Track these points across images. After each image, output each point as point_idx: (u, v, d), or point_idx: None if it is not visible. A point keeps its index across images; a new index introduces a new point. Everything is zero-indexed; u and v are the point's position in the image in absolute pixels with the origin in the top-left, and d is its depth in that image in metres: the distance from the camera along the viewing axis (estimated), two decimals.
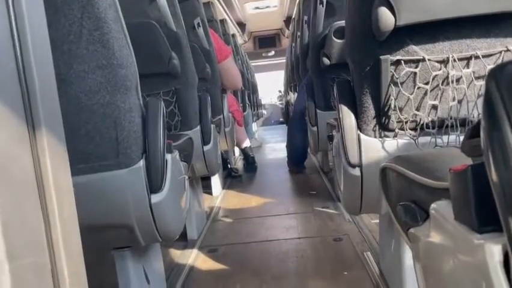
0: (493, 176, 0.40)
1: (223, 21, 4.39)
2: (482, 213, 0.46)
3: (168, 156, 1.12)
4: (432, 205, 0.60)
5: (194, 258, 1.73)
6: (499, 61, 1.05)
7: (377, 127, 1.14)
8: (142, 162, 1.06)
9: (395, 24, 0.99)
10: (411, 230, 0.71)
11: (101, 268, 1.34)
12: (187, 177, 1.34)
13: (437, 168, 0.65)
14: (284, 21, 8.10)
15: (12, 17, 0.55)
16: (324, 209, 2.26)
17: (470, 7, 0.98)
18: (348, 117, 1.17)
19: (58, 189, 0.60)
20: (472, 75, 1.05)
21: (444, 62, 1.05)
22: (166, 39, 1.62)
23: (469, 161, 0.51)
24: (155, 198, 1.07)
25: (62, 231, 0.60)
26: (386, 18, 0.99)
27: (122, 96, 1.01)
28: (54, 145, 0.60)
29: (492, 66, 1.03)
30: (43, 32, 0.60)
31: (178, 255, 1.77)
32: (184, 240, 1.91)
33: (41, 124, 0.57)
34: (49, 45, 0.61)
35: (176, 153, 1.21)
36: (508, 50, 1.03)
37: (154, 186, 1.07)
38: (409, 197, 0.73)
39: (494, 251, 0.43)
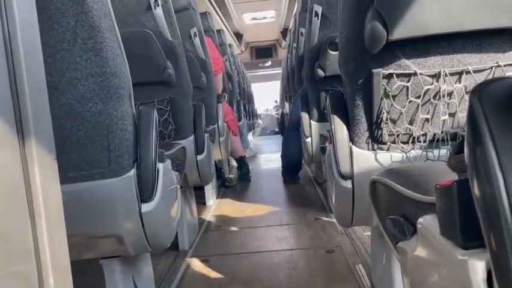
0: (476, 192, 0.40)
1: (220, 31, 4.41)
2: (467, 229, 0.46)
3: (160, 165, 1.11)
4: (420, 219, 0.60)
5: (185, 268, 1.72)
6: (490, 76, 1.06)
7: (370, 140, 1.15)
8: (133, 171, 1.05)
9: (387, 39, 1.00)
10: (400, 244, 0.71)
11: (89, 278, 1.33)
12: (179, 186, 1.34)
13: (425, 183, 0.65)
14: (281, 32, 8.15)
15: (6, 24, 0.55)
16: (317, 220, 2.25)
17: (461, 23, 0.99)
18: (340, 129, 1.18)
19: (46, 198, 0.59)
20: (463, 90, 1.06)
21: (436, 76, 1.06)
22: (162, 49, 1.62)
23: (455, 177, 0.51)
24: (145, 207, 1.06)
25: (49, 241, 0.60)
26: (379, 33, 1.00)
27: (114, 104, 1.01)
28: (44, 154, 0.60)
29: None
30: (35, 39, 0.60)
31: (169, 265, 1.76)
32: (175, 250, 1.89)
33: (30, 133, 0.57)
34: (41, 53, 0.61)
35: (168, 163, 1.21)
36: (498, 66, 1.04)
37: (144, 195, 1.07)
38: (398, 211, 0.73)
39: (477, 267, 0.43)
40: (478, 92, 0.39)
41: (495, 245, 0.38)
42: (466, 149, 0.41)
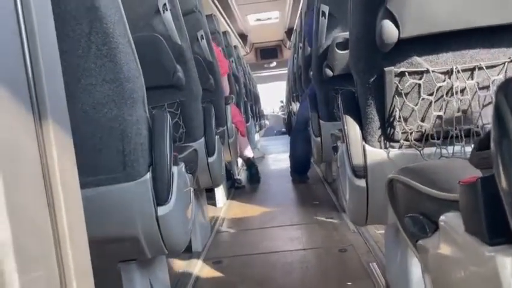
0: (504, 187, 0.40)
1: (225, 33, 4.43)
2: (493, 225, 0.46)
3: (174, 169, 1.12)
4: (442, 217, 0.60)
5: (199, 270, 1.73)
6: (503, 72, 1.05)
7: (382, 138, 1.15)
8: (148, 175, 1.06)
9: (398, 37, 1.00)
10: (420, 242, 0.71)
11: (107, 281, 1.34)
12: (192, 189, 1.35)
13: (445, 180, 0.65)
14: (285, 32, 8.15)
15: (23, 33, 0.56)
16: (328, 220, 2.25)
17: (472, 19, 0.99)
18: (353, 128, 1.18)
19: (68, 203, 0.60)
20: (476, 86, 1.06)
21: (448, 73, 1.06)
22: (171, 52, 1.63)
23: (476, 173, 0.51)
24: (161, 210, 1.07)
25: (71, 246, 0.60)
26: (390, 31, 1.00)
27: (129, 109, 1.02)
28: (65, 160, 0.61)
29: (496, 77, 1.04)
30: (53, 47, 0.61)
31: (183, 267, 1.77)
32: (189, 252, 1.90)
33: (51, 139, 0.58)
34: (59, 61, 0.62)
35: (182, 166, 1.22)
36: (511, 61, 1.04)
37: (160, 198, 1.07)
38: (417, 209, 0.73)
39: (506, 263, 0.43)
40: (504, 89, 0.39)
41: None
42: (492, 146, 0.41)
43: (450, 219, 0.58)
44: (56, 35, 0.62)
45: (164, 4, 1.61)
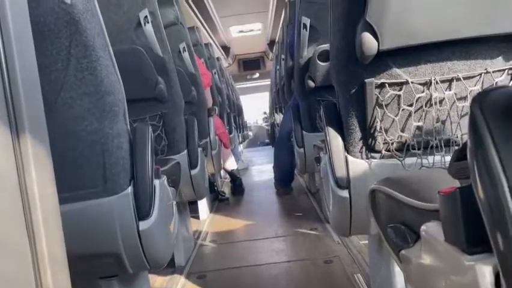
0: (481, 197, 0.40)
1: (208, 45, 4.44)
2: (472, 235, 0.47)
3: (156, 182, 1.11)
4: (423, 227, 0.61)
5: (182, 285, 1.70)
6: (480, 83, 1.08)
7: (364, 148, 1.16)
8: (130, 189, 1.05)
9: (378, 49, 1.02)
10: (403, 252, 0.71)
11: None
12: (175, 202, 1.33)
13: (425, 190, 0.66)
14: (268, 44, 8.22)
15: (1, 46, 0.55)
16: (312, 231, 2.25)
17: (450, 31, 1.02)
18: (335, 139, 1.19)
19: (46, 219, 0.59)
20: (454, 97, 1.08)
21: (427, 84, 1.07)
22: (153, 65, 1.63)
23: (456, 183, 0.52)
24: (143, 225, 1.05)
25: (50, 263, 0.59)
26: (370, 43, 1.01)
27: (110, 122, 1.01)
28: (43, 176, 0.60)
29: (473, 88, 1.07)
30: (31, 60, 0.60)
31: (166, 282, 1.74)
32: (171, 267, 1.87)
33: (29, 154, 0.57)
34: (37, 74, 0.61)
35: (164, 179, 1.20)
36: (487, 72, 1.07)
37: (142, 212, 1.06)
38: (399, 219, 0.73)
39: (485, 272, 0.44)
40: (479, 100, 0.40)
41: (502, 248, 0.38)
42: (468, 156, 0.42)
43: (430, 229, 0.58)
44: (35, 48, 0.61)
45: (146, 16, 1.61)
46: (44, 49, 0.90)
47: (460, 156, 0.50)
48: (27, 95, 0.57)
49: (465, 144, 0.44)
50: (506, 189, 0.38)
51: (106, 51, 0.99)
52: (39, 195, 0.58)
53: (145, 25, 1.63)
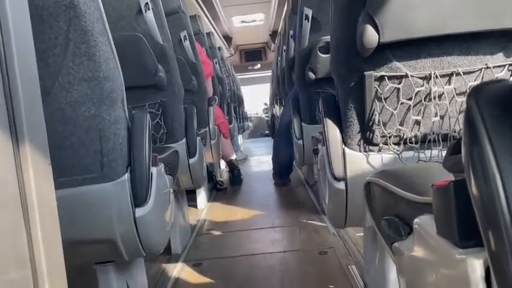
0: (474, 191, 0.40)
1: (209, 34, 4.41)
2: (464, 229, 0.47)
3: (153, 170, 1.11)
4: (416, 220, 0.61)
5: (178, 272, 1.71)
6: (480, 78, 1.07)
7: (362, 141, 1.16)
8: (126, 176, 1.05)
9: (378, 41, 1.01)
10: (395, 244, 0.71)
11: (83, 283, 1.31)
12: (172, 190, 1.33)
13: (420, 184, 0.66)
14: (270, 35, 8.17)
15: None
16: (309, 222, 2.26)
17: (451, 26, 1.01)
18: (333, 131, 1.19)
19: (41, 203, 0.59)
20: (454, 92, 1.08)
21: (427, 78, 1.07)
22: (153, 52, 1.62)
23: (451, 177, 0.52)
24: (139, 212, 1.06)
25: (44, 247, 0.59)
26: (370, 36, 1.01)
27: (107, 108, 1.00)
28: (38, 159, 0.59)
29: (473, 83, 1.06)
30: (28, 44, 0.60)
31: (162, 269, 1.75)
32: (168, 254, 1.88)
33: (24, 138, 0.57)
34: (34, 58, 0.61)
35: (161, 167, 1.20)
36: (487, 67, 1.06)
37: (138, 199, 1.06)
38: (393, 212, 0.74)
39: (476, 265, 0.44)
40: (475, 94, 0.40)
41: (493, 243, 0.38)
42: (463, 150, 0.42)
43: (423, 222, 0.58)
44: (33, 32, 0.60)
45: (147, 3, 1.59)
46: (42, 33, 0.89)
47: (455, 150, 0.50)
48: (24, 79, 0.57)
49: (460, 138, 0.44)
50: (499, 184, 0.38)
51: (105, 37, 0.98)
52: (34, 179, 0.58)
53: (145, 12, 1.62)
